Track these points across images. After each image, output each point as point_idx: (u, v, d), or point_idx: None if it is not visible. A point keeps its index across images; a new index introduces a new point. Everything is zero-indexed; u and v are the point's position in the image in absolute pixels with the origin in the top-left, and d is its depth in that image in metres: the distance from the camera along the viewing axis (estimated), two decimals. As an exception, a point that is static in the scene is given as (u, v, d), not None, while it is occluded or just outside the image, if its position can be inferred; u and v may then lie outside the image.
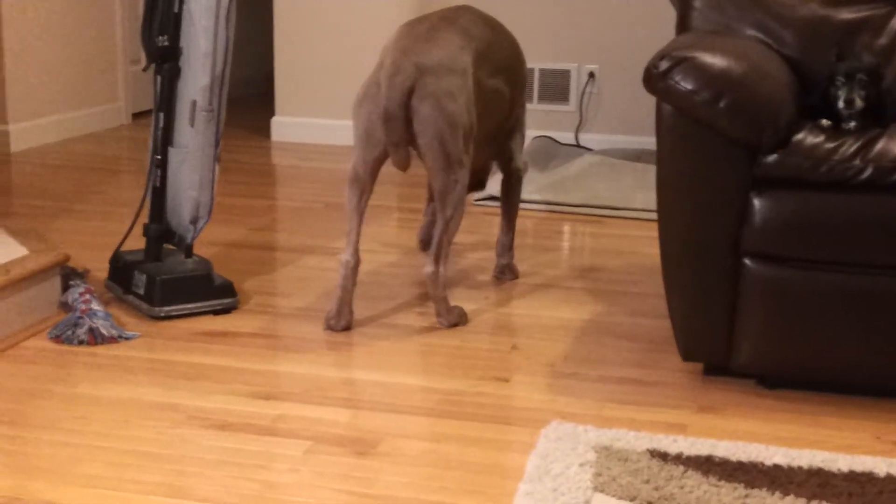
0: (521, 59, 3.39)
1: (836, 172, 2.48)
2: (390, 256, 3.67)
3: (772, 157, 2.50)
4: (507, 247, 3.50)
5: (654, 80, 2.53)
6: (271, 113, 5.84)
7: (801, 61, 2.85)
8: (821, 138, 2.52)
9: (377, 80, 2.90)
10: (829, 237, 2.51)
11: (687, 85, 2.49)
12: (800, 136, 2.53)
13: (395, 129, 2.86)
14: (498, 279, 3.49)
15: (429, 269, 3.02)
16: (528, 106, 5.46)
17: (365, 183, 2.99)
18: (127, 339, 2.94)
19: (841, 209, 2.51)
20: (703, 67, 2.50)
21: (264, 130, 5.86)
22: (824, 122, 2.59)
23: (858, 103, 2.62)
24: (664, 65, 2.51)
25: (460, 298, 3.27)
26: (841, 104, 2.63)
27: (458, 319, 3.09)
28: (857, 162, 2.47)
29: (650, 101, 2.60)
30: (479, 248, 3.80)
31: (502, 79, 3.20)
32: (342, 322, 3.02)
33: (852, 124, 2.58)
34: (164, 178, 3.19)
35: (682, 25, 3.00)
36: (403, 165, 2.94)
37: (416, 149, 2.94)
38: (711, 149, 2.54)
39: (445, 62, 2.92)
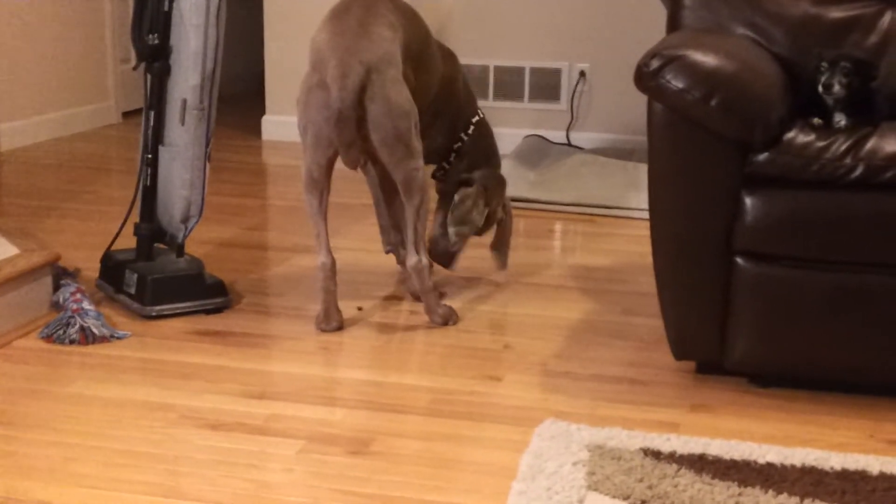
0: (430, 42, 3.18)
1: (827, 171, 2.48)
2: (379, 254, 3.66)
3: (763, 156, 2.51)
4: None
5: (645, 78, 2.52)
6: (262, 111, 5.83)
7: (792, 60, 2.85)
8: (812, 137, 2.52)
9: (321, 82, 2.84)
10: (821, 235, 2.51)
11: (678, 83, 2.49)
12: (791, 134, 2.53)
13: (348, 130, 2.82)
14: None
15: (413, 259, 2.98)
16: (520, 105, 5.55)
17: (322, 185, 2.95)
18: (118, 338, 2.93)
19: (832, 207, 2.51)
20: (694, 66, 2.50)
21: (255, 129, 5.85)
22: (815, 120, 2.58)
23: (837, 88, 2.61)
24: (655, 63, 2.51)
25: (452, 297, 3.27)
26: (820, 88, 2.63)
27: (448, 315, 3.09)
28: (848, 160, 2.47)
29: (641, 99, 2.60)
30: (470, 247, 3.79)
31: (411, 65, 3.03)
32: (332, 324, 3.02)
33: (842, 122, 2.58)
34: (154, 177, 3.18)
35: (673, 24, 3.00)
36: (355, 164, 2.91)
37: (367, 146, 2.88)
38: (703, 147, 2.54)
39: (385, 57, 2.87)
